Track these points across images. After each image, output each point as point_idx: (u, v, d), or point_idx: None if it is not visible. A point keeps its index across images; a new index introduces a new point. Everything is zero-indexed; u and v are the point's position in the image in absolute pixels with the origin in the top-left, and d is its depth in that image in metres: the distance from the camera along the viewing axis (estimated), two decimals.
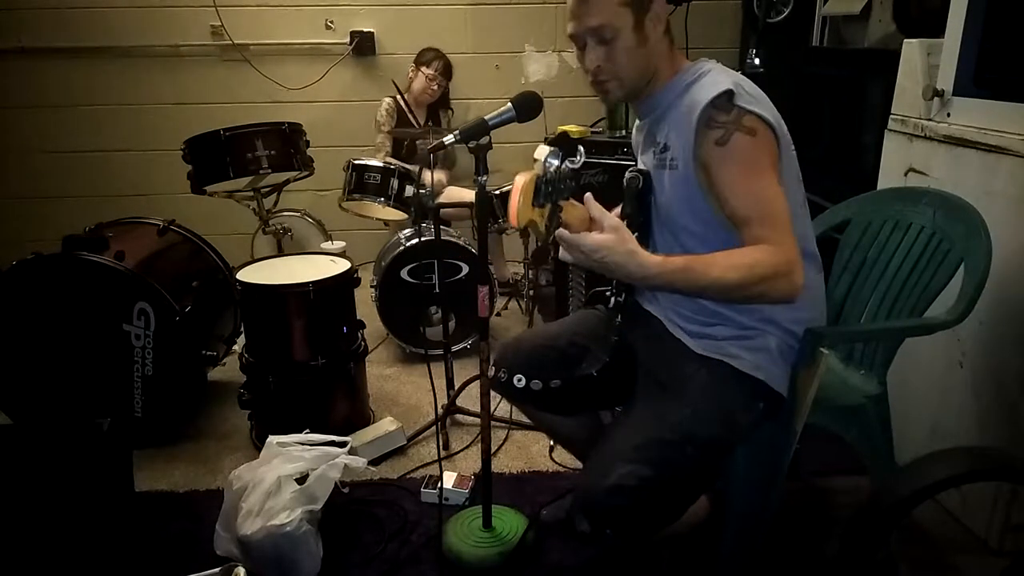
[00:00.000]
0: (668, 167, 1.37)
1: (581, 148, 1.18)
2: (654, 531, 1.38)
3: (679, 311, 1.48)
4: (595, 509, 1.32)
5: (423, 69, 3.51)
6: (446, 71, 3.55)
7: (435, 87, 3.53)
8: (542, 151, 1.12)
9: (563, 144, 1.13)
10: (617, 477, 1.27)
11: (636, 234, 1.42)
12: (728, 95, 1.27)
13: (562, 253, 1.28)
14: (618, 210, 1.54)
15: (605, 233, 1.23)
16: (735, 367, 1.40)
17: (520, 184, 1.08)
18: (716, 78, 1.32)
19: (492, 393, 1.78)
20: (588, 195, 1.27)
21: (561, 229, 1.22)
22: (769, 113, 1.30)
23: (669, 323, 1.51)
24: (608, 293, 1.54)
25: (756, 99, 1.30)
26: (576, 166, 1.17)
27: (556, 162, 1.11)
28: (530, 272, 3.26)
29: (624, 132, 2.89)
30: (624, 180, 1.47)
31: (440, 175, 3.51)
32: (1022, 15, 1.74)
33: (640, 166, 1.51)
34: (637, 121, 1.55)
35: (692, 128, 1.29)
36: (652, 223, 1.46)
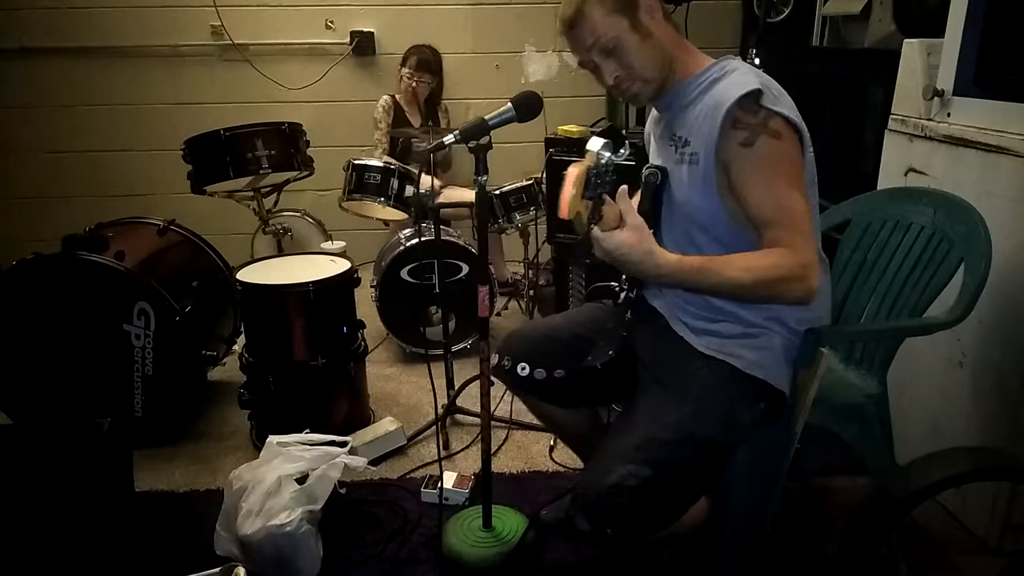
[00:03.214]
0: (688, 162, 1.37)
1: (628, 142, 1.17)
2: (654, 531, 1.38)
3: (684, 307, 1.48)
4: (595, 509, 1.32)
5: (402, 69, 3.51)
6: (422, 66, 3.49)
7: (414, 83, 3.48)
8: (595, 143, 1.10)
9: (613, 136, 1.13)
10: (617, 477, 1.27)
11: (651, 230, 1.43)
12: (756, 95, 1.27)
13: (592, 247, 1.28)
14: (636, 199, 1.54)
15: (627, 231, 1.23)
16: (737, 367, 1.40)
17: (573, 176, 1.07)
18: (743, 78, 1.31)
19: (492, 393, 1.78)
20: (623, 188, 1.25)
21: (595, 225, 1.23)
22: (794, 115, 1.30)
23: (673, 319, 1.50)
24: (617, 289, 1.54)
25: (781, 100, 1.30)
26: (621, 160, 1.16)
27: (608, 154, 1.09)
28: (530, 272, 3.26)
29: (624, 132, 2.90)
30: (642, 175, 1.47)
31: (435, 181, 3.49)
32: (1022, 15, 1.74)
33: (655, 161, 1.51)
34: (654, 112, 1.54)
35: (716, 126, 1.28)
36: (661, 217, 1.46)
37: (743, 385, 1.39)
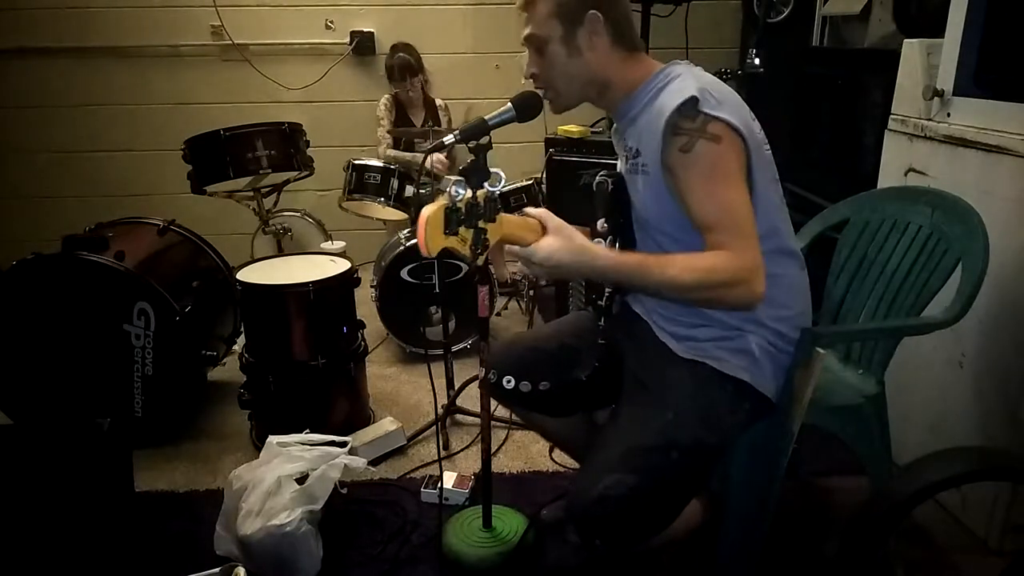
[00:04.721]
0: (640, 172, 1.38)
1: (499, 172, 1.23)
2: (644, 540, 1.37)
3: (663, 313, 1.48)
4: (583, 520, 1.31)
5: (392, 84, 3.55)
6: (407, 70, 3.49)
7: (411, 92, 3.52)
8: (447, 181, 1.16)
9: (477, 171, 1.19)
10: (603, 487, 1.26)
11: (614, 237, 1.44)
12: (693, 102, 1.27)
13: (522, 268, 1.31)
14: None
15: (550, 236, 1.25)
16: (718, 369, 1.39)
17: (426, 215, 1.12)
18: (683, 84, 1.31)
19: None
20: (528, 209, 1.31)
21: (514, 247, 1.26)
22: (736, 117, 1.29)
23: (654, 325, 1.50)
24: (593, 295, 1.54)
25: (722, 104, 1.29)
26: (496, 189, 1.21)
27: (463, 191, 1.15)
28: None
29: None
30: (593, 184, 1.48)
31: (441, 156, 3.46)
32: (1022, 15, 1.74)
33: (618, 168, 1.52)
34: (615, 125, 1.56)
35: (659, 135, 1.29)
36: (632, 225, 1.46)
37: (725, 387, 1.39)
